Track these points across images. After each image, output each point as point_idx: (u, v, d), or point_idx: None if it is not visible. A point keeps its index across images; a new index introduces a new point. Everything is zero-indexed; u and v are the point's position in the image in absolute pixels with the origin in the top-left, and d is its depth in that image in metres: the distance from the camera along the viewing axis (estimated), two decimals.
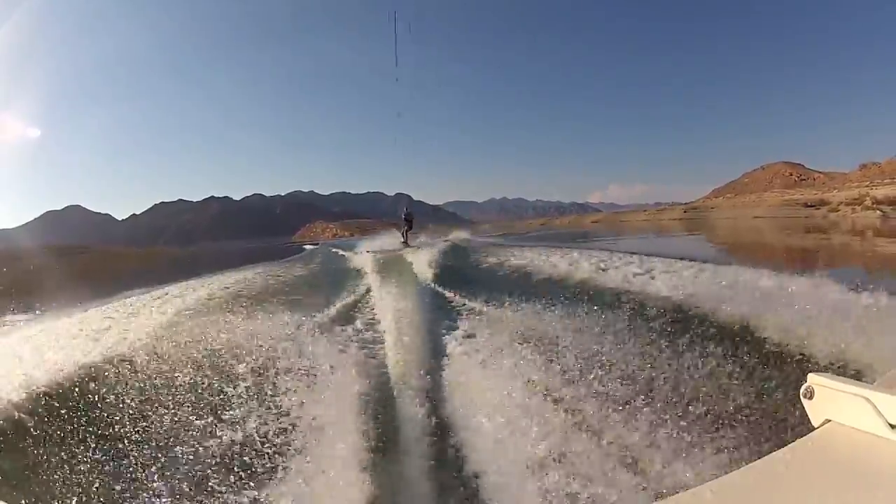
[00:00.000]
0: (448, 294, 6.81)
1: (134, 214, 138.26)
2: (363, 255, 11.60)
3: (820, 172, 65.47)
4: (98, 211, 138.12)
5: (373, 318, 5.72)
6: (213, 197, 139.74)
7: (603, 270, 6.69)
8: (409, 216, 16.10)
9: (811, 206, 48.57)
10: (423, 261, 9.53)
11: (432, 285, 7.60)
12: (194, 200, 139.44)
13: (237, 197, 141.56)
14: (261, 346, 4.31)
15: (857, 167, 54.13)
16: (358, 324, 5.50)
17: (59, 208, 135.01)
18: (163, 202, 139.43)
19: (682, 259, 6.64)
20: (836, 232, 27.85)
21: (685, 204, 70.40)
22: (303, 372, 3.78)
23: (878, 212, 39.75)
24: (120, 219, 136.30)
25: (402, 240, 15.84)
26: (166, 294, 7.20)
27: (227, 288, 7.96)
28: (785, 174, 67.58)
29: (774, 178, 67.41)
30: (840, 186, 50.83)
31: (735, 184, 71.77)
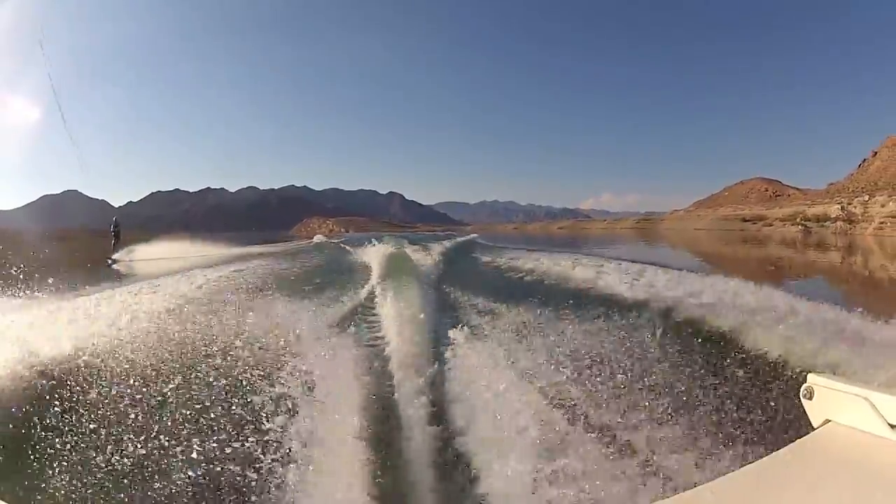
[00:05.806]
0: (451, 294, 6.94)
1: (130, 202, 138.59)
2: (368, 252, 11.66)
3: (795, 188, 67.33)
4: (95, 197, 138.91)
5: (375, 317, 5.69)
6: (209, 188, 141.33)
7: (603, 276, 6.97)
8: (117, 230, 17.37)
9: (748, 220, 56.50)
10: (427, 260, 9.87)
11: (436, 285, 7.72)
12: (191, 191, 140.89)
13: (232, 189, 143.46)
14: (261, 343, 4.28)
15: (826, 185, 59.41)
16: (360, 323, 5.51)
17: (56, 192, 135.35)
18: (159, 191, 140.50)
19: (675, 267, 7.01)
20: (749, 242, 33.76)
21: (654, 214, 74.66)
22: (303, 372, 3.79)
23: (801, 226, 49.21)
24: (116, 206, 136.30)
25: (112, 251, 16.03)
26: (165, 285, 7.00)
27: (229, 280, 7.92)
28: (761, 189, 68.90)
29: (750, 193, 68.82)
30: (785, 204, 58.12)
31: (717, 196, 73.09)
